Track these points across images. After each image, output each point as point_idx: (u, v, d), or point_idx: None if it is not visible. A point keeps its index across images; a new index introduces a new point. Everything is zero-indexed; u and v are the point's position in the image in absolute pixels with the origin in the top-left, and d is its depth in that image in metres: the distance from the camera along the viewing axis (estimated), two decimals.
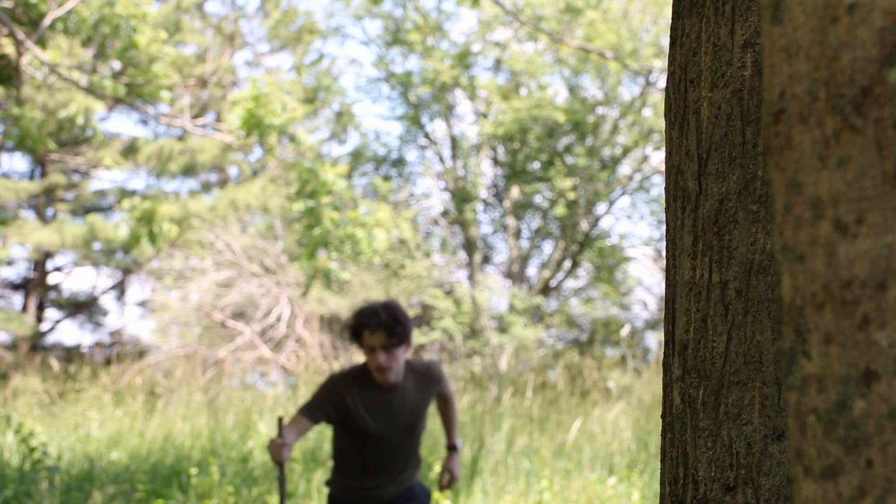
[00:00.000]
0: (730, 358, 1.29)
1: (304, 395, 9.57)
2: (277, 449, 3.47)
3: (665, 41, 16.07)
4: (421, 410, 3.77)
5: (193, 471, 6.09)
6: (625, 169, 18.11)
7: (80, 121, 8.71)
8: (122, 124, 43.43)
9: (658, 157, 17.64)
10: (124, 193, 18.31)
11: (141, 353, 14.82)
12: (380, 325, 3.52)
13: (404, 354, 3.62)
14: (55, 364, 11.44)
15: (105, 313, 20.59)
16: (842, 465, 0.67)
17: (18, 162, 21.69)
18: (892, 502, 0.65)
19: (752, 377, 1.28)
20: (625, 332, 15.79)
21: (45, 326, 19.24)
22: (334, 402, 3.61)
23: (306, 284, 9.16)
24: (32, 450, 6.13)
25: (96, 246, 17.90)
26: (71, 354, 16.41)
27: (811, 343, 0.70)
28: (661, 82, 16.72)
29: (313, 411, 3.60)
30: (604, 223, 21.90)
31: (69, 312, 19.98)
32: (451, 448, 4.10)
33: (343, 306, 14.98)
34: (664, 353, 1.40)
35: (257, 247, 14.95)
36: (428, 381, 3.82)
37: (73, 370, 10.76)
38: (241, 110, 8.42)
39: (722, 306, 1.30)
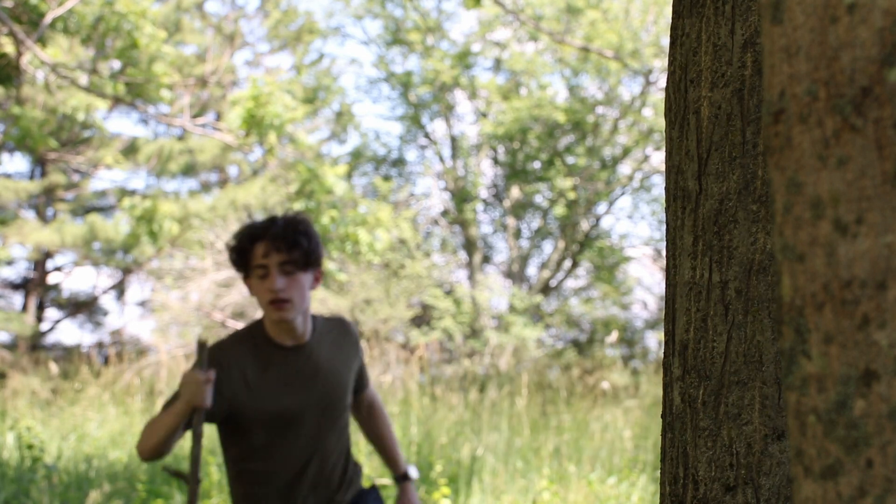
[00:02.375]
0: (730, 358, 1.29)
1: None
2: (199, 387, 2.45)
3: (665, 41, 16.07)
4: (343, 380, 2.69)
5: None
6: (625, 169, 18.12)
7: (80, 117, 8.71)
8: (122, 124, 43.44)
9: (658, 157, 17.64)
10: (124, 193, 18.31)
11: (141, 353, 14.82)
12: (278, 235, 2.51)
13: (310, 288, 2.58)
14: (55, 364, 11.45)
15: (105, 313, 20.60)
16: (842, 465, 0.67)
17: (18, 162, 21.69)
18: (892, 502, 0.65)
19: (752, 377, 1.28)
20: (612, 338, 15.78)
21: (45, 326, 19.24)
22: (221, 379, 2.53)
23: None
24: (30, 447, 6.13)
25: (96, 246, 17.90)
26: (71, 354, 16.40)
27: (811, 343, 0.70)
28: (661, 82, 16.72)
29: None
30: (604, 223, 21.91)
31: (69, 312, 19.98)
32: (402, 478, 2.97)
33: (343, 306, 14.98)
34: (664, 352, 1.40)
35: None
36: (346, 341, 2.76)
37: (72, 370, 10.75)
38: (240, 110, 8.42)
39: (722, 306, 1.30)
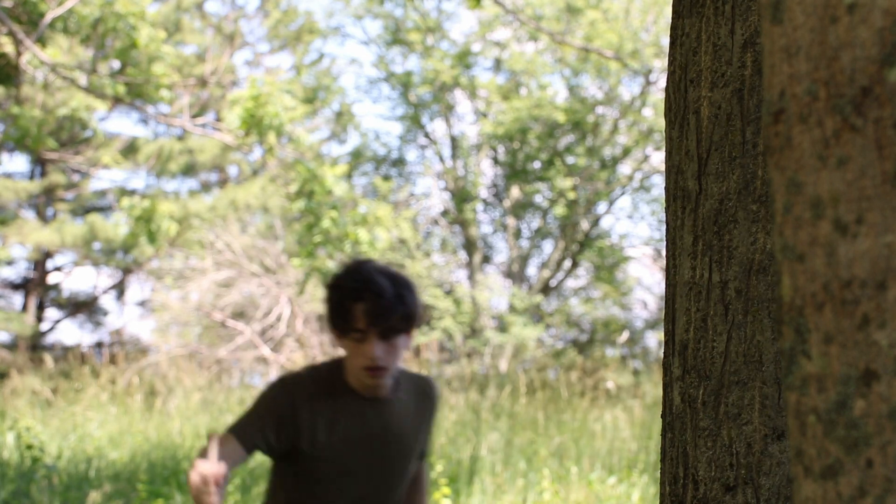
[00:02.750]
0: (730, 358, 1.29)
1: None
2: (203, 486, 2.02)
3: (665, 41, 16.07)
4: (411, 448, 2.44)
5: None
6: (625, 169, 18.13)
7: (82, 115, 8.70)
8: (122, 124, 43.44)
9: (658, 157, 17.64)
10: (124, 193, 18.32)
11: (141, 353, 14.82)
12: (381, 300, 2.23)
13: (405, 347, 2.36)
14: (54, 364, 11.45)
15: (105, 313, 20.60)
16: (842, 464, 0.67)
17: (18, 162, 21.70)
18: (892, 502, 0.65)
19: (752, 377, 1.28)
20: (623, 338, 15.80)
21: (45, 326, 19.24)
22: (282, 419, 2.29)
23: (303, 282, 9.15)
24: (30, 447, 6.13)
25: (96, 246, 17.90)
26: (71, 354, 16.41)
27: (811, 343, 0.70)
28: (661, 82, 16.72)
29: (249, 431, 2.28)
30: (604, 223, 21.91)
31: (69, 312, 19.98)
32: None
33: None
34: (664, 352, 1.40)
35: (257, 247, 14.94)
36: (426, 405, 2.51)
37: (72, 370, 10.76)
38: (240, 110, 8.42)
39: (722, 306, 1.30)
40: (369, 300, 2.23)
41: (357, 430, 2.35)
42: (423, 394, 2.49)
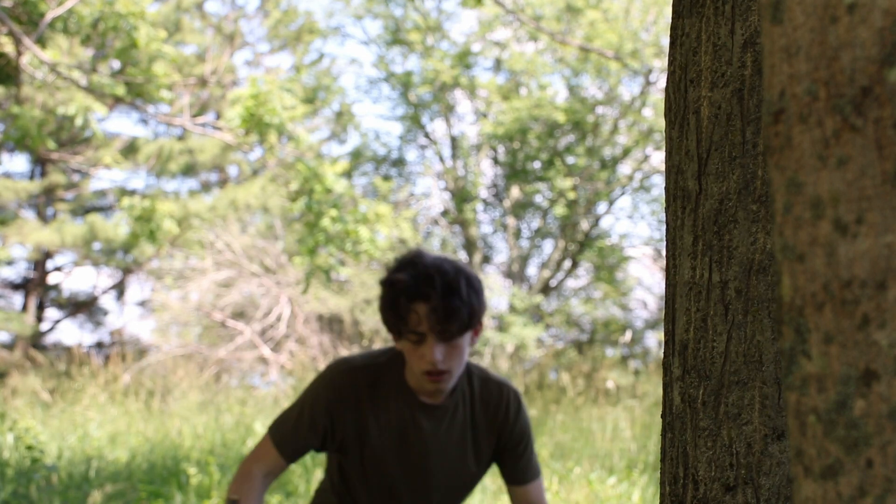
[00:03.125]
0: (730, 358, 1.29)
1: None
2: None
3: (665, 41, 16.07)
4: (465, 460, 2.18)
5: (192, 470, 6.09)
6: (625, 169, 18.13)
7: (78, 121, 8.71)
8: (122, 124, 43.45)
9: (658, 157, 17.64)
10: (124, 193, 18.32)
11: (141, 353, 14.82)
12: (442, 300, 1.99)
13: (470, 346, 2.11)
14: (54, 363, 11.45)
15: (105, 313, 20.60)
16: (842, 464, 0.67)
17: (18, 162, 21.70)
18: (892, 502, 0.65)
19: (752, 377, 1.28)
20: (626, 337, 15.80)
21: (45, 326, 19.24)
22: (330, 421, 2.12)
23: (305, 281, 9.15)
24: (30, 448, 6.14)
25: (96, 246, 17.90)
26: (71, 354, 16.41)
27: (811, 343, 0.70)
28: (661, 82, 16.72)
29: (291, 439, 2.13)
30: (604, 223, 21.92)
31: (69, 312, 19.98)
32: None
33: (343, 306, 14.98)
34: (664, 352, 1.40)
35: (257, 247, 14.95)
36: (494, 415, 2.20)
37: (72, 370, 10.76)
38: (240, 108, 8.42)
39: (722, 306, 1.30)
40: (430, 300, 1.99)
41: (408, 436, 2.13)
42: (492, 403, 2.19)
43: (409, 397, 2.14)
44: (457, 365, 2.07)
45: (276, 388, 11.47)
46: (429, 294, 2.00)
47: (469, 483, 2.22)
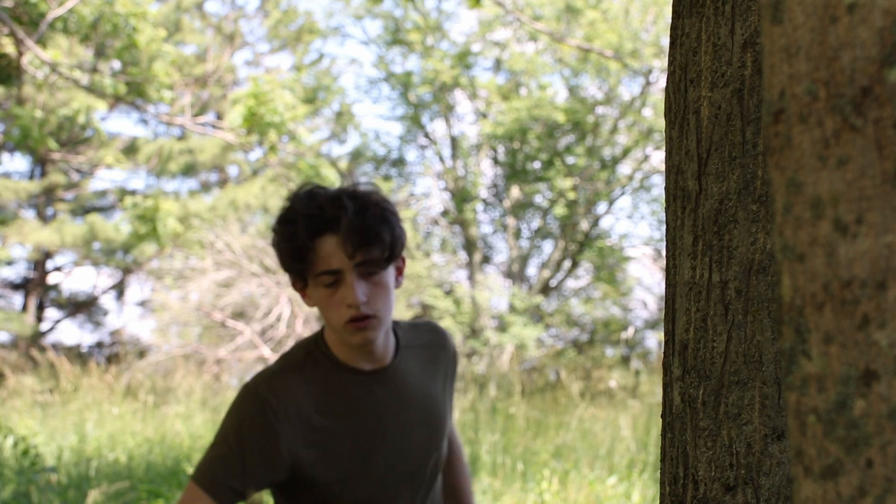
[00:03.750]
0: (730, 358, 1.29)
1: None
2: None
3: (665, 41, 16.07)
4: (442, 413, 1.94)
5: (191, 470, 6.09)
6: (625, 169, 18.13)
7: (81, 119, 8.71)
8: (122, 124, 43.45)
9: (658, 157, 17.64)
10: (124, 193, 18.33)
11: (141, 353, 14.82)
12: (355, 226, 1.68)
13: (396, 287, 1.79)
14: (54, 364, 11.45)
15: (105, 313, 20.60)
16: (842, 464, 0.67)
17: (18, 162, 21.70)
18: (892, 502, 0.65)
19: (752, 377, 1.28)
20: (628, 333, 15.80)
21: (45, 326, 19.24)
22: (267, 448, 1.72)
23: None
24: (25, 452, 6.14)
25: (96, 246, 17.90)
26: (70, 354, 16.41)
27: (811, 343, 0.70)
28: (661, 82, 16.72)
29: (222, 480, 1.71)
30: (604, 223, 21.91)
31: (69, 312, 19.98)
32: None
33: None
34: (664, 352, 1.40)
35: (257, 247, 14.94)
36: (442, 356, 1.98)
37: (72, 370, 10.76)
38: (241, 108, 8.43)
39: (722, 306, 1.30)
40: (341, 228, 1.67)
41: (364, 415, 1.79)
42: (434, 345, 1.96)
43: (350, 375, 1.79)
44: (384, 307, 1.72)
45: None
46: (338, 219, 1.68)
47: (446, 434, 1.97)
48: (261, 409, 1.73)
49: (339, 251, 1.68)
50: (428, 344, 1.96)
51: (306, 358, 1.81)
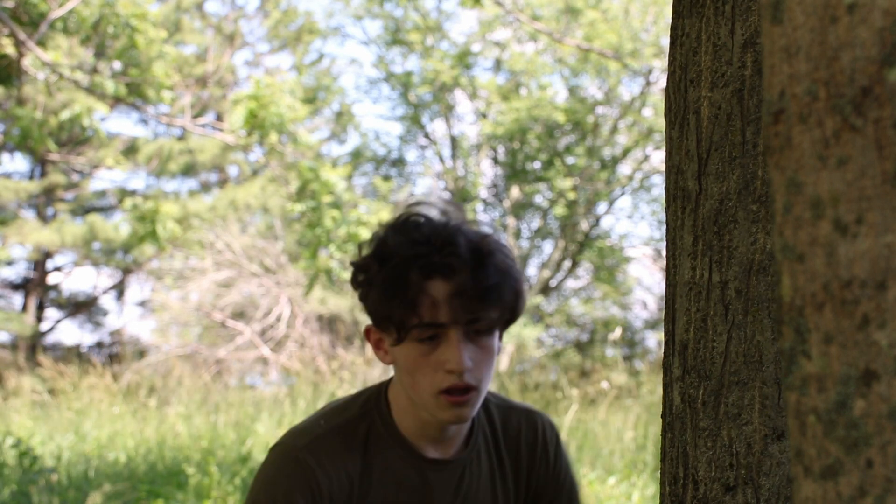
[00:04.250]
0: (730, 358, 1.29)
1: (304, 397, 9.47)
2: None
3: (665, 41, 16.07)
4: None
5: (191, 470, 6.09)
6: (625, 169, 18.13)
7: (85, 122, 8.71)
8: (122, 124, 43.43)
9: (658, 157, 17.64)
10: (124, 193, 18.33)
11: (141, 353, 14.82)
12: (480, 266, 1.34)
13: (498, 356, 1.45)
14: (54, 364, 11.45)
15: (105, 313, 20.60)
16: (842, 464, 0.67)
17: (18, 162, 21.71)
18: (892, 502, 0.65)
19: (752, 377, 1.28)
20: (616, 334, 15.78)
21: (45, 326, 19.24)
22: None
23: (308, 284, 9.15)
24: (23, 454, 6.14)
25: (96, 246, 17.91)
26: (70, 354, 16.41)
27: (811, 343, 0.70)
28: (661, 82, 16.72)
29: None
30: (604, 223, 21.90)
31: (69, 312, 19.98)
32: None
33: (343, 306, 14.98)
34: (664, 352, 1.40)
35: (257, 247, 14.95)
36: (528, 457, 1.54)
37: (72, 370, 10.76)
38: (242, 109, 8.43)
39: (722, 306, 1.30)
40: (455, 275, 1.32)
41: None
42: (514, 439, 1.54)
43: (409, 454, 1.43)
44: (486, 379, 1.38)
45: (276, 387, 11.47)
46: (452, 266, 1.31)
47: None
48: (304, 481, 1.39)
49: (447, 302, 1.32)
50: (516, 437, 1.54)
51: (360, 421, 1.44)
